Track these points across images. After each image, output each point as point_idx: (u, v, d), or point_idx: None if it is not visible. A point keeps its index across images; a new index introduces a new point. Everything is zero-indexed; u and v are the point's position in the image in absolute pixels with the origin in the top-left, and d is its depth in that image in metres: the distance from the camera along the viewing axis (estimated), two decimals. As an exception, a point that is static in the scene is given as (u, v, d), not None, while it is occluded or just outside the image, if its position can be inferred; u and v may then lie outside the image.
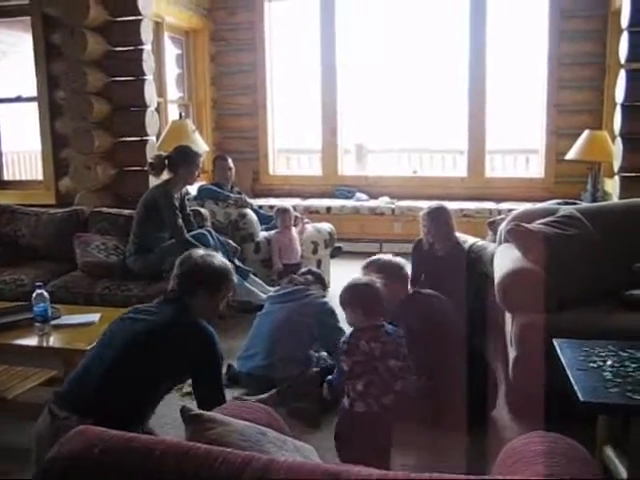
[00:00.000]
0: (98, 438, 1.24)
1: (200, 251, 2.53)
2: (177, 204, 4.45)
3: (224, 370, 3.65)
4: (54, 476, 1.20)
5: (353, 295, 2.67)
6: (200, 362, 2.35)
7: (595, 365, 2.39)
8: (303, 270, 3.97)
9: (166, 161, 4.53)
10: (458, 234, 4.56)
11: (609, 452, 2.54)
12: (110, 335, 2.40)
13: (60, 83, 5.51)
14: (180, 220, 4.38)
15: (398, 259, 3.29)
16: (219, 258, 2.52)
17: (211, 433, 1.40)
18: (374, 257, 3.33)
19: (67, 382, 2.36)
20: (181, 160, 4.51)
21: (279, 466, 1.16)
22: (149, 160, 4.69)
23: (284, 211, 5.23)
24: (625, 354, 2.48)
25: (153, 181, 5.48)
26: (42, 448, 2.12)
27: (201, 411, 1.51)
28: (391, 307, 3.17)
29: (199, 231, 4.52)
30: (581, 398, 2.14)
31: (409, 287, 3.29)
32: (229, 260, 4.51)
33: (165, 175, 4.61)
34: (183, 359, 2.32)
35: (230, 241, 4.78)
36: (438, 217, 4.38)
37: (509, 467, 1.59)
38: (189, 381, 3.56)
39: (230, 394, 3.33)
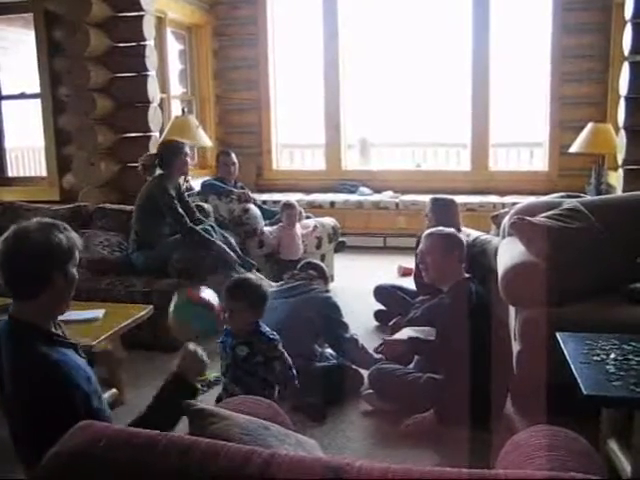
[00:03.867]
0: (101, 433, 1.25)
1: (32, 225, 1.84)
2: (174, 194, 4.44)
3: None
4: (57, 471, 1.20)
5: None
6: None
7: (598, 358, 2.38)
8: (303, 263, 3.96)
9: (156, 159, 4.55)
10: (463, 228, 4.56)
11: (613, 445, 2.54)
12: None
13: (63, 79, 5.52)
14: (180, 209, 4.38)
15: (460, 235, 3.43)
16: (58, 228, 1.87)
17: (213, 428, 1.40)
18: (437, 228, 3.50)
19: None
20: (172, 155, 4.52)
21: (281, 460, 1.17)
22: (141, 162, 4.62)
23: (290, 206, 5.22)
24: (628, 347, 2.48)
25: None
26: None
27: (204, 405, 1.52)
28: (446, 279, 3.29)
29: (203, 226, 4.52)
30: (584, 391, 2.13)
31: (463, 266, 3.37)
32: (233, 252, 4.53)
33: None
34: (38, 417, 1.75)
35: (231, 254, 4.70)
36: (440, 206, 4.41)
37: (512, 460, 1.60)
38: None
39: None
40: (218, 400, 2.93)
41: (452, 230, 3.48)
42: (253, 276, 3.30)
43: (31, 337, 1.81)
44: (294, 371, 2.97)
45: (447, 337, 3.12)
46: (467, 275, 3.34)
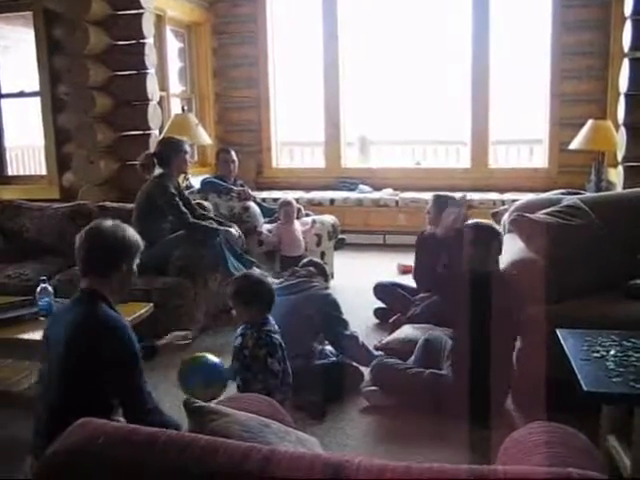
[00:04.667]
0: (100, 431, 1.25)
1: (107, 222, 2.37)
2: (175, 191, 4.42)
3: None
4: (55, 469, 1.20)
5: None
6: (111, 364, 2.15)
7: (598, 355, 2.39)
8: (304, 261, 3.96)
9: (155, 158, 4.50)
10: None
11: (612, 442, 2.54)
12: (45, 368, 2.32)
13: (62, 78, 5.52)
14: (182, 206, 4.37)
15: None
16: (128, 227, 2.40)
17: (213, 425, 1.40)
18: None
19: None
20: (171, 152, 4.47)
21: (280, 457, 1.17)
22: (139, 162, 4.56)
23: (287, 204, 5.23)
24: (628, 344, 2.48)
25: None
26: None
27: (203, 403, 1.52)
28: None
29: (207, 221, 4.52)
30: (584, 388, 2.14)
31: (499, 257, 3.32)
32: (232, 250, 4.53)
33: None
34: (98, 364, 2.13)
35: (232, 230, 4.64)
36: (443, 204, 4.41)
37: (511, 457, 1.60)
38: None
39: (234, 386, 3.35)
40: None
41: (491, 222, 3.43)
42: (256, 273, 3.29)
43: (98, 300, 2.25)
44: (275, 380, 2.92)
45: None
46: (502, 270, 3.26)
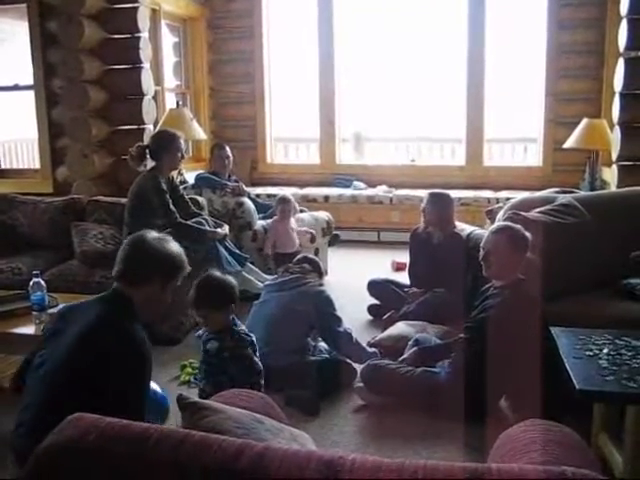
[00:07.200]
0: (93, 425, 1.24)
1: (154, 233, 2.25)
2: (165, 188, 4.39)
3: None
4: (48, 464, 1.19)
5: None
6: (117, 377, 1.95)
7: (591, 353, 2.40)
8: (299, 257, 3.95)
9: (147, 151, 4.45)
10: (457, 223, 4.56)
11: (605, 439, 2.55)
12: (40, 363, 2.09)
13: (57, 71, 5.48)
14: (171, 205, 4.35)
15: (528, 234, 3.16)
16: (175, 244, 2.27)
17: (207, 421, 1.40)
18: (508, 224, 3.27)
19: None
20: (162, 146, 4.42)
21: (274, 453, 1.16)
22: (130, 151, 4.45)
23: (285, 201, 5.20)
24: (621, 342, 2.49)
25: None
26: None
27: (197, 399, 1.51)
28: (503, 277, 3.14)
29: (196, 219, 4.51)
30: (577, 386, 2.15)
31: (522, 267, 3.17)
32: (224, 247, 4.53)
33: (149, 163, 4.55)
34: (104, 373, 1.95)
35: (219, 230, 4.62)
36: (437, 202, 4.40)
37: (505, 455, 1.60)
38: (187, 369, 3.59)
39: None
40: None
41: (520, 227, 3.18)
42: (217, 274, 3.06)
43: (124, 307, 2.11)
44: (261, 379, 2.89)
45: (484, 333, 3.01)
46: (521, 276, 3.14)
